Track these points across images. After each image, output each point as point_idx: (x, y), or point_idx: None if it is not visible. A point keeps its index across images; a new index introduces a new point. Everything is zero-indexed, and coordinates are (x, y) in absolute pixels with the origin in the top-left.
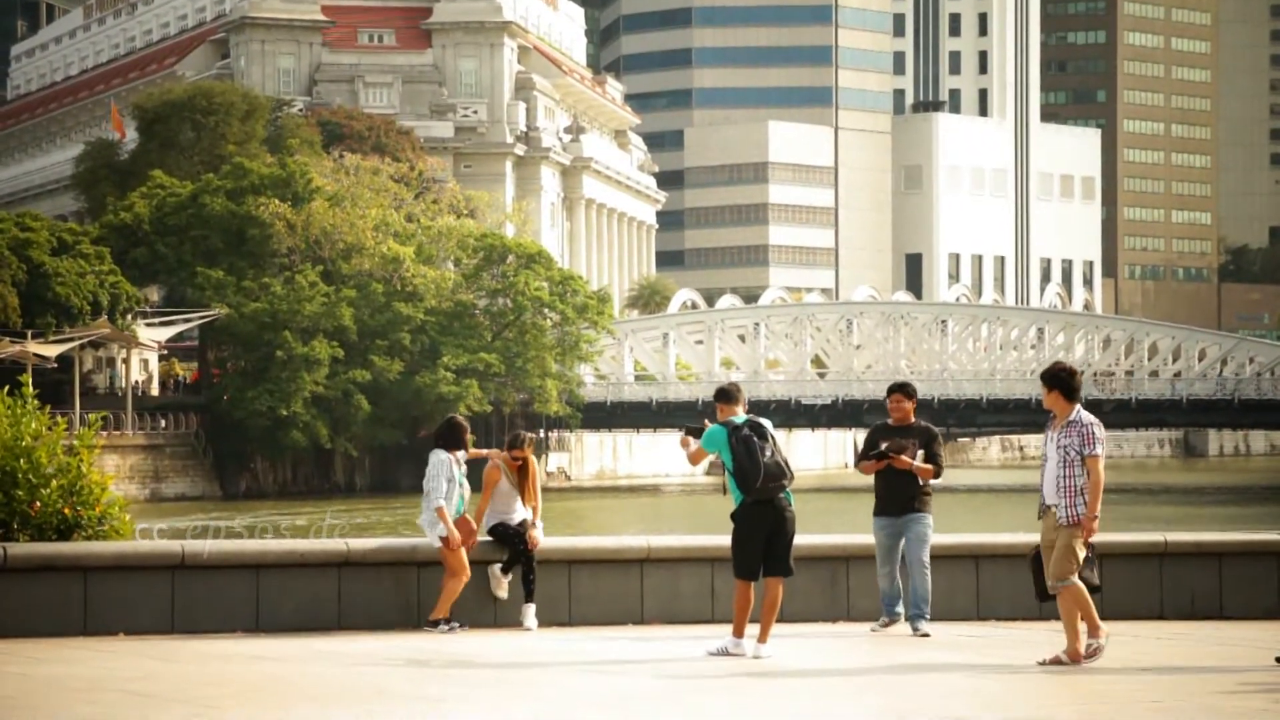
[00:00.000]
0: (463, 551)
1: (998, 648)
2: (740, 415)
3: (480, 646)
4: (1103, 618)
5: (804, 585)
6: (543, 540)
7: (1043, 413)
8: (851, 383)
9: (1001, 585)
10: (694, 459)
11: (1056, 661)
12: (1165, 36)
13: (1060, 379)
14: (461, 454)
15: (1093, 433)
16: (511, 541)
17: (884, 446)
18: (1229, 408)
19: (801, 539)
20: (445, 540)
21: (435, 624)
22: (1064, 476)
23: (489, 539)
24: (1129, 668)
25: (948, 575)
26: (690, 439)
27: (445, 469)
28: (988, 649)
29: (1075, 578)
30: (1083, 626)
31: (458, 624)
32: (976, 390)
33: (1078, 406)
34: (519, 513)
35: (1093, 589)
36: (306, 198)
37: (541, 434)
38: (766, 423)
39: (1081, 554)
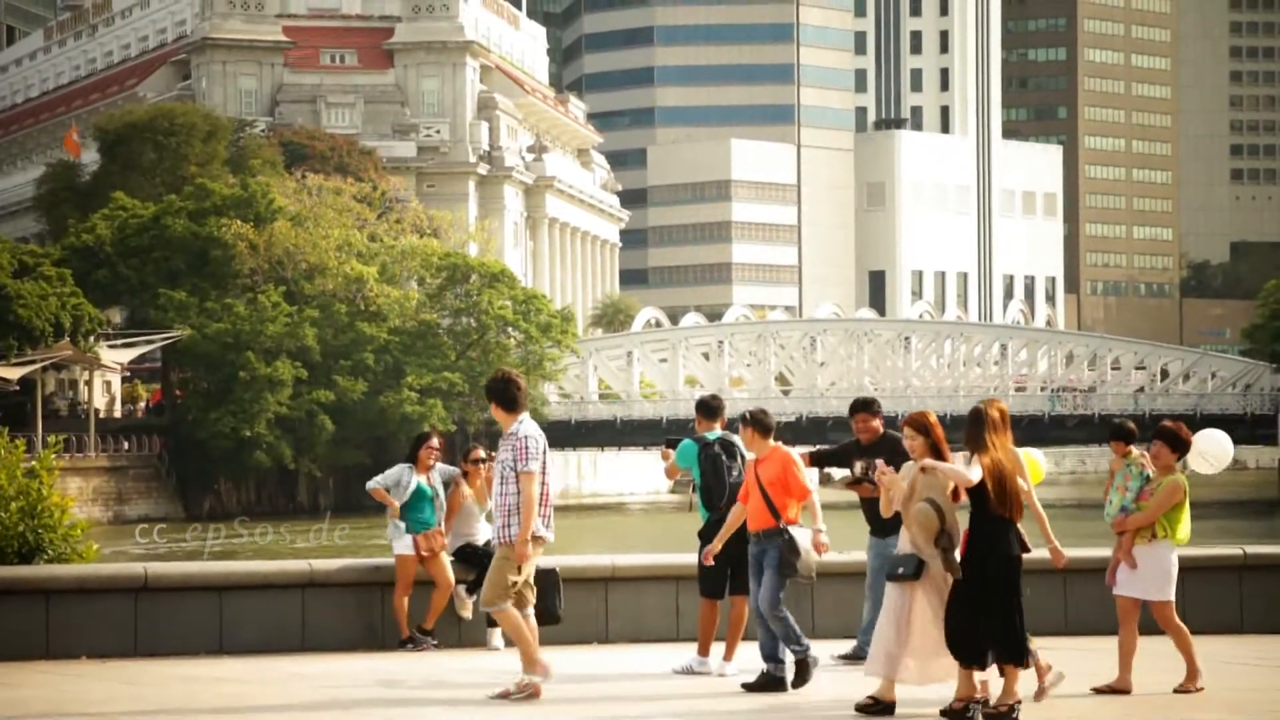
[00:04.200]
0: (441, 561)
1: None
2: (716, 431)
3: (448, 666)
4: (1062, 633)
5: None
6: None
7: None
8: (815, 399)
9: None
10: (671, 472)
11: (505, 695)
12: (1125, 53)
13: (496, 389)
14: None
15: (526, 446)
16: (480, 561)
17: (856, 474)
18: (1191, 422)
19: None
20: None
21: (409, 642)
22: (501, 494)
23: (452, 558)
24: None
25: None
26: (670, 451)
27: (393, 475)
28: None
29: (508, 604)
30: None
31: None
32: (940, 406)
33: (521, 418)
34: (483, 533)
35: (549, 619)
36: (269, 218)
37: None
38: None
39: (515, 577)
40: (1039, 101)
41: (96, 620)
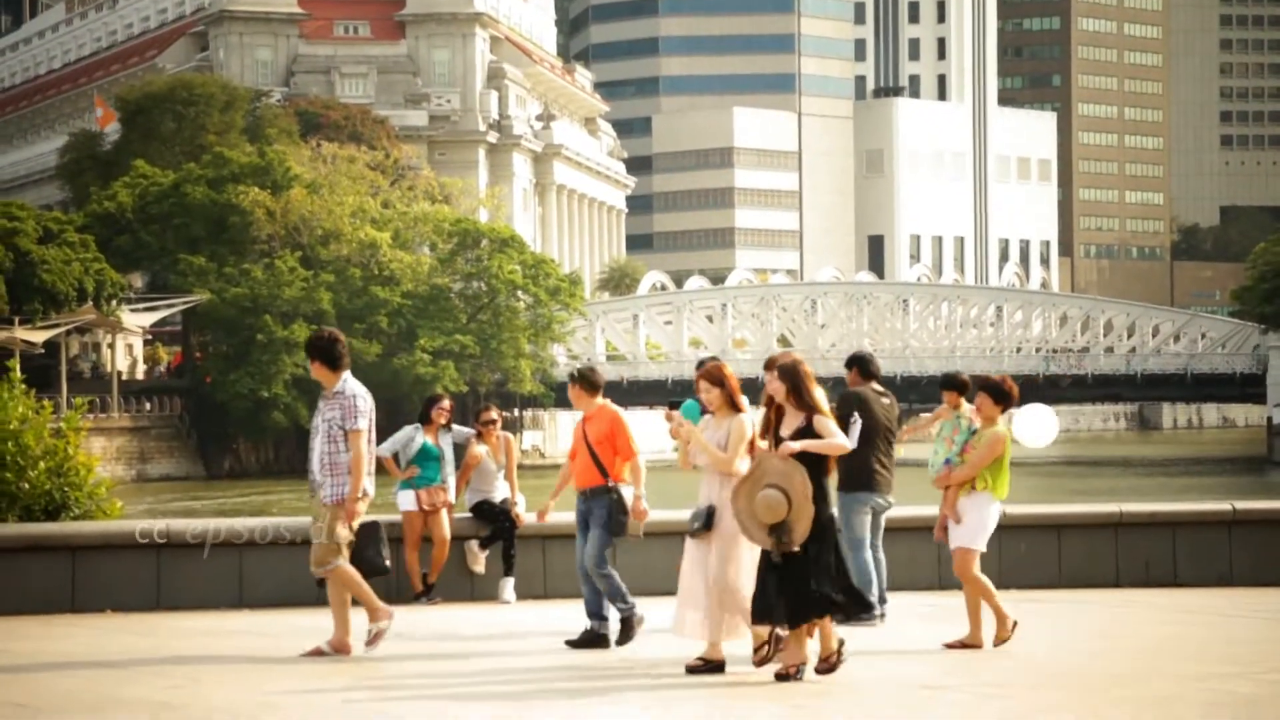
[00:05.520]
0: (441, 517)
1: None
2: None
3: (460, 619)
4: (1061, 587)
5: None
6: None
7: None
8: (816, 361)
9: None
10: (675, 434)
11: (318, 652)
12: (1118, 22)
13: (319, 347)
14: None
15: (354, 405)
16: (496, 518)
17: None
18: (1182, 382)
19: None
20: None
21: (422, 595)
22: (328, 453)
23: (469, 515)
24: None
25: (910, 547)
26: (674, 413)
27: (402, 437)
28: (955, 620)
29: (341, 560)
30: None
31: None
32: (938, 367)
33: (344, 376)
34: (500, 490)
35: (375, 571)
36: (285, 186)
37: (516, 412)
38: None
39: (346, 535)
40: (1034, 69)
41: (120, 575)
